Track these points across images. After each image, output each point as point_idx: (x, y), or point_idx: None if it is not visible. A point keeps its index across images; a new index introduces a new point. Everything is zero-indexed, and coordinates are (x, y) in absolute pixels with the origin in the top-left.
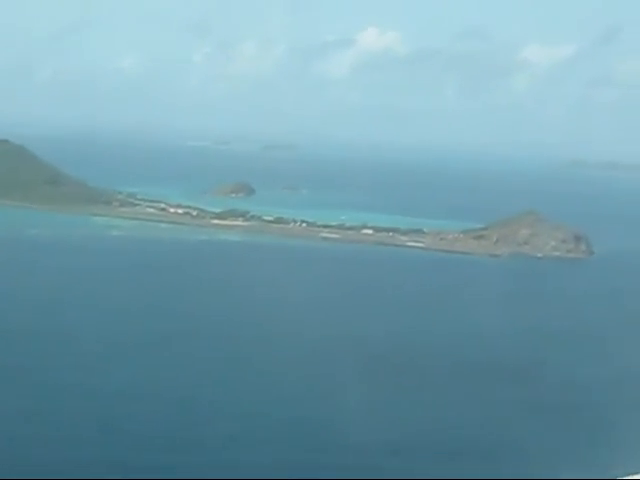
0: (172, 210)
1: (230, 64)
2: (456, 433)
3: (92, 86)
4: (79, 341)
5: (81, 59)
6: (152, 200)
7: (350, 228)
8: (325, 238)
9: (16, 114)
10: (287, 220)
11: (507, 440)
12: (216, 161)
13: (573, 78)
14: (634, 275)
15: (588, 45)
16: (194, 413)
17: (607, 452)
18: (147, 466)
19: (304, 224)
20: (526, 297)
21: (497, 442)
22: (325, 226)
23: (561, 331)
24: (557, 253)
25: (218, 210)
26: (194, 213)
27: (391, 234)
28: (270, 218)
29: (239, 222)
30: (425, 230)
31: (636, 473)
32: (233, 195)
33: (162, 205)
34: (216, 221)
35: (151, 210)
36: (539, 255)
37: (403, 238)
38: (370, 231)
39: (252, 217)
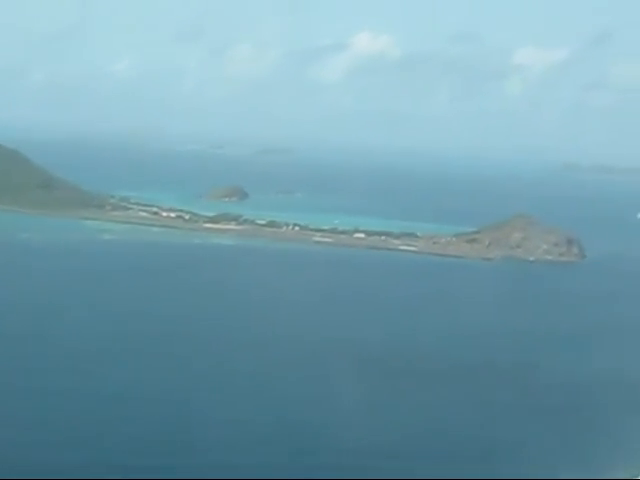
0: (165, 214)
1: (225, 68)
2: (451, 434)
3: (86, 90)
4: (70, 344)
5: (75, 63)
6: (145, 204)
7: (343, 232)
8: (317, 242)
9: (9, 118)
10: (280, 224)
11: (502, 441)
12: (210, 165)
13: (567, 82)
14: (626, 279)
15: (582, 48)
16: (187, 416)
17: (600, 452)
18: (143, 467)
19: (297, 228)
20: (518, 300)
21: (492, 443)
22: (318, 230)
23: (553, 334)
24: (549, 256)
25: (211, 214)
26: (187, 217)
27: (384, 238)
28: (263, 222)
29: (232, 226)
30: (418, 234)
31: (637, 474)
32: (226, 199)
33: (155, 209)
34: (209, 225)
35: (144, 214)
36: (531, 258)
37: (396, 242)
38: (362, 235)
39: (245, 221)
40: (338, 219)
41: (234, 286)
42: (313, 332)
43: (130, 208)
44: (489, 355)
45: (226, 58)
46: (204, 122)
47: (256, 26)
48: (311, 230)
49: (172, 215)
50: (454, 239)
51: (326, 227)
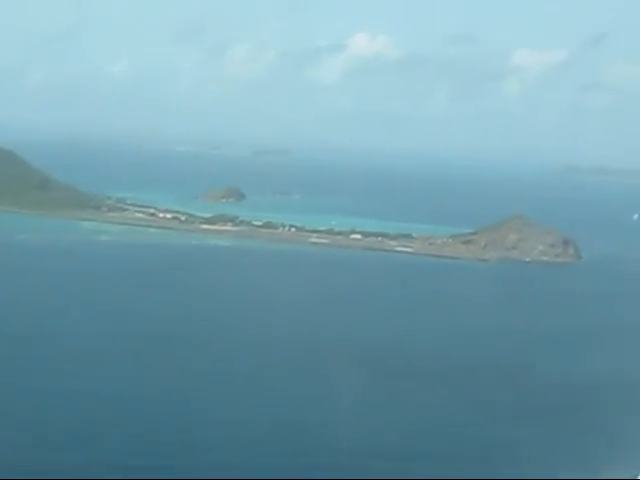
0: (161, 215)
1: (222, 69)
2: (450, 435)
3: (83, 91)
4: (67, 345)
5: (73, 63)
6: (141, 205)
7: (339, 233)
8: (314, 243)
9: (6, 118)
10: (276, 225)
11: (501, 441)
12: (207, 166)
13: (565, 83)
14: (621, 280)
15: (579, 49)
16: (184, 416)
17: (599, 452)
18: (142, 468)
19: (293, 229)
20: (514, 301)
21: (491, 444)
22: (314, 231)
23: (549, 335)
24: (545, 258)
25: (207, 215)
26: (183, 218)
27: (380, 239)
28: (259, 223)
29: (228, 227)
30: (414, 235)
31: (637, 474)
32: (223, 200)
33: (151, 210)
34: (205, 226)
35: (140, 215)
36: (527, 260)
37: (392, 243)
38: (359, 236)
39: (241, 222)
40: (335, 220)
41: (230, 287)
42: (309, 333)
43: (127, 209)
44: (486, 356)
45: (223, 59)
46: (201, 123)
47: (253, 27)
48: (307, 231)
49: (169, 216)
50: (450, 240)
51: (322, 228)
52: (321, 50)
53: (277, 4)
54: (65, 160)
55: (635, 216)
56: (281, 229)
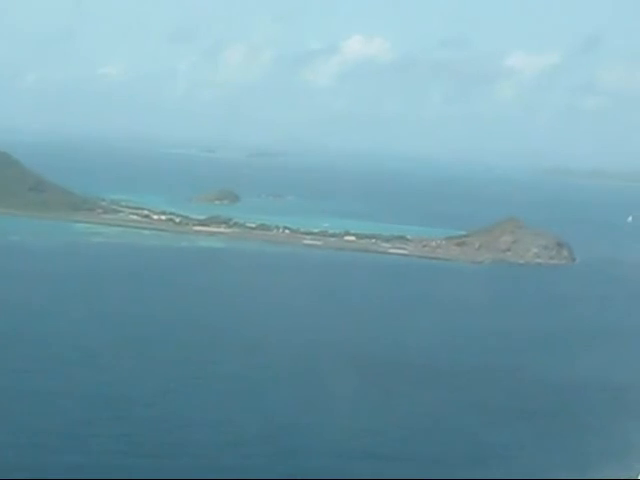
0: (155, 217)
1: (216, 72)
2: (442, 437)
3: (78, 93)
4: (59, 346)
5: (67, 65)
6: (136, 207)
7: (332, 235)
8: (307, 245)
9: (0, 120)
10: (270, 227)
11: (497, 443)
12: (201, 169)
13: (558, 86)
14: (615, 282)
15: (573, 53)
16: (174, 417)
17: (598, 453)
18: (135, 468)
19: (287, 231)
20: (507, 303)
21: (488, 445)
22: (308, 233)
23: (542, 337)
24: (539, 260)
25: (201, 217)
26: (177, 220)
27: (374, 241)
28: (253, 225)
29: (222, 229)
30: (408, 237)
31: (636, 474)
32: (217, 202)
33: (145, 212)
34: (199, 228)
35: (134, 217)
36: (521, 262)
37: (385, 245)
38: (353, 238)
39: (235, 224)
40: (329, 222)
41: (223, 289)
42: (301, 334)
43: (121, 211)
44: (480, 358)
45: (218, 61)
46: (196, 125)
47: (249, 29)
48: (301, 233)
49: (163, 218)
50: (444, 242)
51: (316, 230)
52: (316, 52)
53: (272, 7)
54: (59, 162)
55: (629, 218)
56: (275, 231)
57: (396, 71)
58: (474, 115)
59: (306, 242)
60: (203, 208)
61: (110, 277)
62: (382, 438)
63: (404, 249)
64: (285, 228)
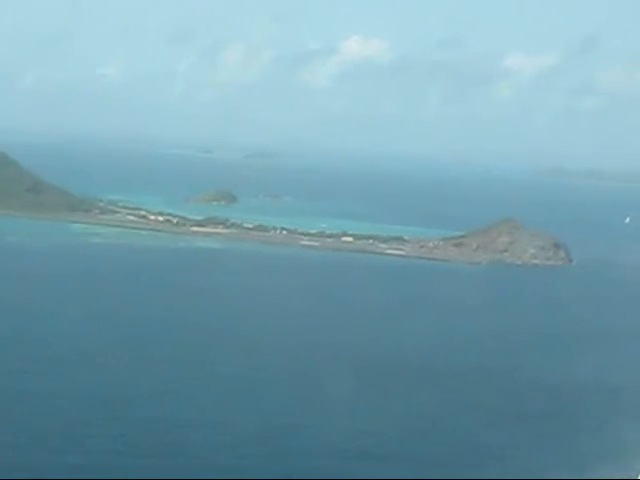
0: (153, 217)
1: (214, 72)
2: (440, 437)
3: (75, 93)
4: (56, 346)
5: (65, 67)
6: (133, 208)
7: (330, 236)
8: (305, 245)
9: None
10: (267, 228)
11: (495, 444)
12: (199, 169)
13: (555, 87)
14: (612, 283)
15: (570, 54)
16: (171, 417)
17: (596, 453)
18: (131, 468)
19: (284, 231)
20: (504, 304)
21: (479, 445)
22: (305, 234)
23: (538, 338)
24: (536, 261)
25: (199, 217)
26: (174, 220)
27: (371, 242)
28: (250, 225)
29: (219, 229)
30: (405, 237)
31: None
32: (215, 203)
33: (143, 212)
34: (196, 228)
35: (132, 217)
36: (518, 262)
37: (383, 246)
38: (350, 239)
39: (232, 224)
40: (326, 223)
41: (219, 289)
42: (297, 335)
43: (118, 212)
44: (477, 359)
45: (216, 62)
46: (194, 126)
47: (246, 30)
48: (298, 234)
49: (160, 219)
50: (441, 243)
51: (314, 231)
52: (314, 53)
53: (270, 7)
54: (57, 163)
55: (627, 220)
56: (272, 232)
57: (394, 72)
58: (472, 116)
59: (303, 243)
60: (200, 209)
61: (107, 278)
62: (379, 438)
63: (401, 250)
64: (282, 229)
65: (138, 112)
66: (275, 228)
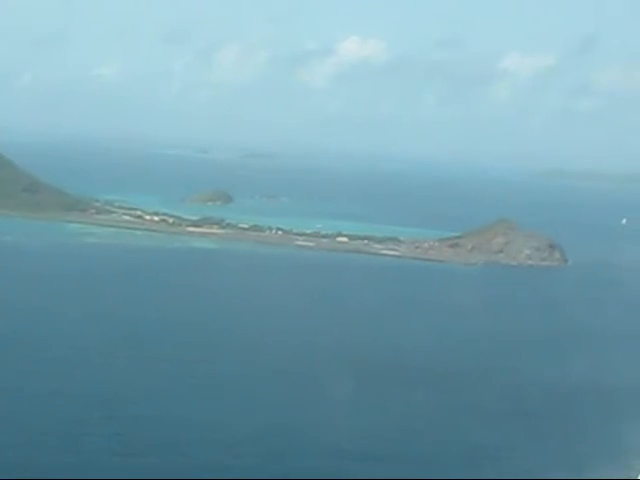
0: (148, 217)
1: (211, 72)
2: (435, 438)
3: (73, 94)
4: (51, 346)
5: (62, 67)
6: (129, 208)
7: (325, 236)
8: (300, 246)
9: None
10: (262, 228)
11: (484, 444)
12: (195, 169)
13: (553, 87)
14: (607, 285)
15: (567, 54)
16: (167, 417)
17: (582, 455)
18: (128, 467)
19: (279, 232)
20: (498, 305)
21: (475, 446)
22: (300, 234)
23: (533, 339)
24: (531, 261)
25: (194, 218)
26: (170, 221)
27: (366, 242)
28: (246, 226)
29: (215, 230)
30: (401, 238)
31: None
32: (210, 203)
33: (138, 212)
34: (192, 228)
35: (127, 217)
36: (513, 263)
37: (378, 246)
38: (345, 239)
39: (228, 225)
40: (322, 223)
41: (214, 289)
42: (292, 336)
43: (114, 212)
44: (471, 360)
45: (213, 62)
46: (190, 126)
47: (243, 30)
48: (294, 234)
49: (155, 219)
50: (437, 244)
51: (309, 231)
52: (311, 54)
53: (267, 7)
54: (54, 162)
55: (623, 221)
56: (267, 232)
57: (392, 72)
58: (470, 116)
59: (298, 243)
60: (196, 209)
61: (102, 277)
62: (375, 439)
63: (397, 250)
64: (278, 229)
65: (135, 112)
66: (270, 228)
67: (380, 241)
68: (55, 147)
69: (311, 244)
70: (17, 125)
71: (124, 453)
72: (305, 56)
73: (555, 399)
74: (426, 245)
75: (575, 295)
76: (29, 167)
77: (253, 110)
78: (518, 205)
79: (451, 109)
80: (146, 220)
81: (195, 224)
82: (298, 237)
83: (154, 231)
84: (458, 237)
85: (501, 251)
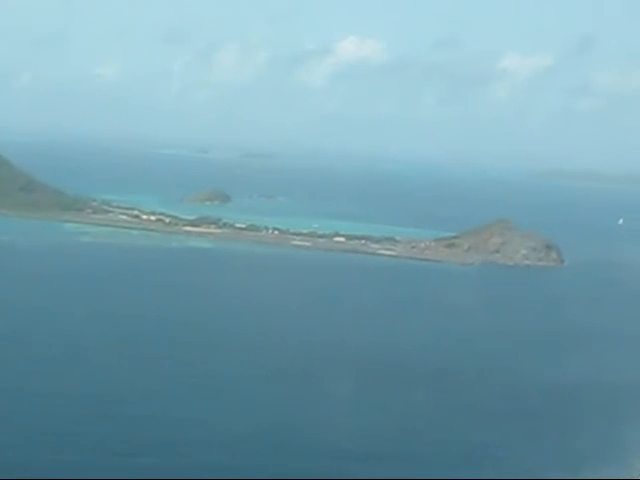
0: (145, 217)
1: (210, 72)
2: (434, 438)
3: (71, 94)
4: (48, 345)
5: (61, 66)
6: (126, 207)
7: (322, 236)
8: (296, 245)
9: None
10: (259, 227)
11: (483, 443)
12: (194, 169)
13: (551, 87)
14: (603, 284)
15: (566, 54)
16: (165, 417)
17: (580, 454)
18: (126, 467)
19: (276, 232)
20: (496, 305)
21: (473, 446)
22: (297, 234)
23: (530, 339)
24: (528, 262)
25: (191, 217)
26: (167, 220)
27: (363, 242)
28: (243, 225)
29: (211, 229)
30: (397, 238)
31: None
32: (208, 203)
33: (135, 212)
34: (188, 228)
35: (124, 217)
36: (510, 263)
37: (375, 246)
38: (342, 239)
39: (225, 224)
40: (319, 223)
41: (210, 289)
42: (289, 335)
43: (111, 211)
44: (469, 359)
45: (211, 62)
46: (189, 126)
47: (242, 30)
48: (291, 234)
49: (152, 218)
50: (433, 244)
51: (306, 231)
52: (310, 54)
53: (266, 8)
54: (51, 162)
55: (620, 221)
56: (264, 232)
57: (390, 72)
58: (468, 117)
59: (295, 243)
60: (194, 208)
61: (98, 277)
62: (375, 438)
63: (393, 250)
64: (274, 229)
65: (133, 112)
66: (267, 228)
67: (377, 241)
68: (54, 147)
69: (308, 244)
70: (16, 125)
71: (124, 453)
72: (304, 56)
73: (554, 398)
74: (423, 245)
75: (571, 295)
76: (26, 166)
77: (252, 110)
78: (516, 205)
79: (450, 109)
80: (143, 220)
81: (192, 224)
82: (295, 237)
83: (151, 231)
84: (455, 237)
85: (498, 251)
